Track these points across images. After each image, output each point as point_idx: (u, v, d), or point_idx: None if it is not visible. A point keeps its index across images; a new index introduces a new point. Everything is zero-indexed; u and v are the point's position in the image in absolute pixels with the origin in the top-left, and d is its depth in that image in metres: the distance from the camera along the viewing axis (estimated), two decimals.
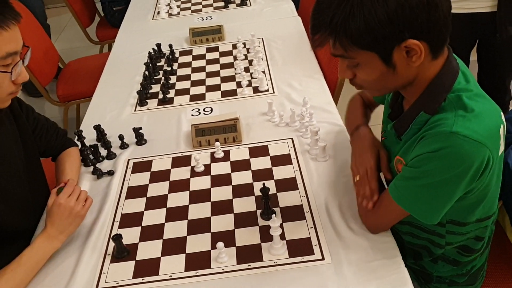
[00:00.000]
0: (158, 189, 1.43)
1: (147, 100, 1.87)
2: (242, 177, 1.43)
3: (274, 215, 1.17)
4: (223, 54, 2.16)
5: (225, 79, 1.96)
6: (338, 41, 0.94)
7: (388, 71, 0.97)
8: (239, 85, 1.89)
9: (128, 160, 1.56)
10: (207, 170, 1.47)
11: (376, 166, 1.19)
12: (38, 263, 1.19)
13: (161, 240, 1.25)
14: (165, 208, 1.35)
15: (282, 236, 1.19)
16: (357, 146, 1.26)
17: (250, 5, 2.67)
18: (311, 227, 1.22)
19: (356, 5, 0.89)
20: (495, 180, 1.08)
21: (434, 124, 0.99)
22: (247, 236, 1.21)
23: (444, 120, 0.97)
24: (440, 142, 0.95)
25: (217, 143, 1.53)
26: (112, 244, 1.25)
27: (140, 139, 1.63)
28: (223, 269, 1.15)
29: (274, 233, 1.15)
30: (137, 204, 1.38)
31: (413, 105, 1.04)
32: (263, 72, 1.96)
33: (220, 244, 1.15)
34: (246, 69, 1.99)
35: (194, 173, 1.47)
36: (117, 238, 1.20)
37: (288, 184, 1.38)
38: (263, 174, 1.43)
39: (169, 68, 2.06)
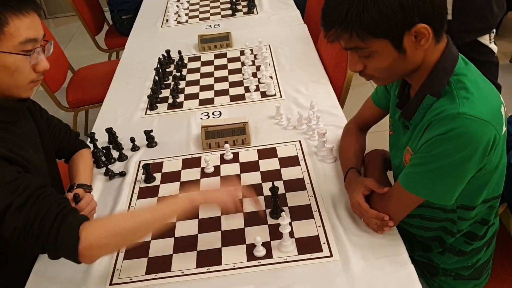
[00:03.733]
0: (169, 189, 1.46)
1: (157, 105, 1.91)
2: (251, 178, 1.46)
3: (283, 213, 1.20)
4: (231, 60, 2.21)
5: (233, 84, 2.00)
6: (354, 33, 1.00)
7: (399, 57, 1.04)
8: (247, 89, 1.93)
9: (140, 161, 1.60)
10: (216, 171, 1.51)
11: (363, 199, 1.22)
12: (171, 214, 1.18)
13: (173, 238, 1.28)
14: None
15: (291, 234, 1.22)
16: (348, 192, 1.31)
17: (257, 13, 2.72)
18: (319, 226, 1.25)
19: None
20: (500, 160, 1.12)
21: (440, 109, 1.04)
22: (257, 234, 1.24)
23: (448, 105, 1.02)
24: (448, 124, 1.00)
25: (227, 145, 1.56)
26: None
27: (151, 142, 1.67)
28: (234, 266, 1.18)
29: (284, 231, 1.18)
30: (148, 204, 1.41)
31: (419, 90, 1.10)
32: (271, 77, 2.00)
33: (258, 238, 1.18)
34: (254, 75, 2.03)
35: (204, 174, 1.50)
36: (147, 165, 1.49)
37: (296, 185, 1.41)
38: (271, 175, 1.46)
39: (178, 74, 2.11)
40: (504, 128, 1.08)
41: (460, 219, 1.19)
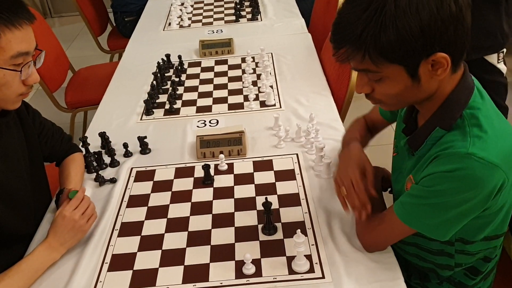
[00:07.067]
0: (159, 199, 1.42)
1: (153, 110, 1.87)
2: (245, 191, 1.41)
3: (298, 230, 1.14)
4: (231, 67, 2.17)
5: (232, 92, 1.96)
6: (367, 55, 0.93)
7: (412, 85, 0.96)
8: (246, 98, 1.89)
9: (131, 168, 1.56)
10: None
11: (361, 179, 1.17)
12: (36, 272, 1.17)
13: (160, 251, 1.23)
14: (166, 219, 1.34)
15: (283, 252, 1.18)
16: (343, 160, 1.25)
17: (261, 20, 2.68)
18: (312, 244, 1.20)
19: (389, 18, 0.88)
20: (509, 201, 1.06)
21: (449, 144, 0.97)
22: (248, 251, 1.19)
23: (459, 141, 0.96)
24: (455, 163, 0.94)
25: (221, 156, 1.52)
26: (110, 253, 1.24)
27: (145, 148, 1.63)
28: (221, 283, 1.13)
29: (299, 249, 1.12)
30: (138, 213, 1.37)
31: (429, 121, 1.03)
32: (271, 86, 1.96)
33: (247, 255, 1.13)
34: (254, 83, 1.99)
35: (196, 185, 1.46)
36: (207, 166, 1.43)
37: (291, 200, 1.36)
38: (266, 189, 1.41)
39: (177, 79, 2.07)
40: None
41: (459, 253, 1.13)
